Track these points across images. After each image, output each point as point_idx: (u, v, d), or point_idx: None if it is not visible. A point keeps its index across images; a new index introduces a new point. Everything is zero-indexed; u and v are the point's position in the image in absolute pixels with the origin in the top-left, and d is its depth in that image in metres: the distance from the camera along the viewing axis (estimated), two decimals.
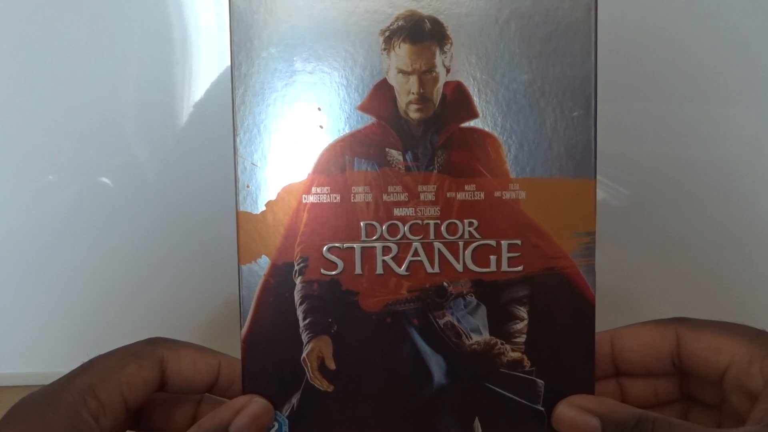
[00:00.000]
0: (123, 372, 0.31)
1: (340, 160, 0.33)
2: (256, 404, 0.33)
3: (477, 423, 0.34)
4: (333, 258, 0.33)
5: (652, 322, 0.35)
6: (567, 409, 0.33)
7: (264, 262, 0.33)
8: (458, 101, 0.33)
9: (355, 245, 0.33)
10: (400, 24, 0.32)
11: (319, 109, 0.33)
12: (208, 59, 0.46)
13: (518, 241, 0.33)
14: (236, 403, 0.33)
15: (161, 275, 0.49)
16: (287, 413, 0.34)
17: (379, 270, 0.33)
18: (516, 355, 0.34)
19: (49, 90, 0.45)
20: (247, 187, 0.33)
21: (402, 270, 0.33)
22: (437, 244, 0.33)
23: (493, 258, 0.33)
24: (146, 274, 0.48)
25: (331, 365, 0.34)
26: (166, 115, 0.46)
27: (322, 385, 0.34)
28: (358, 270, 0.33)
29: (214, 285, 0.48)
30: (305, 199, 0.33)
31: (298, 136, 0.33)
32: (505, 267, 0.33)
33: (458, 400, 0.34)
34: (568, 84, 0.33)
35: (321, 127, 0.33)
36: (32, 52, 0.45)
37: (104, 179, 0.45)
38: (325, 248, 0.33)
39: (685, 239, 0.50)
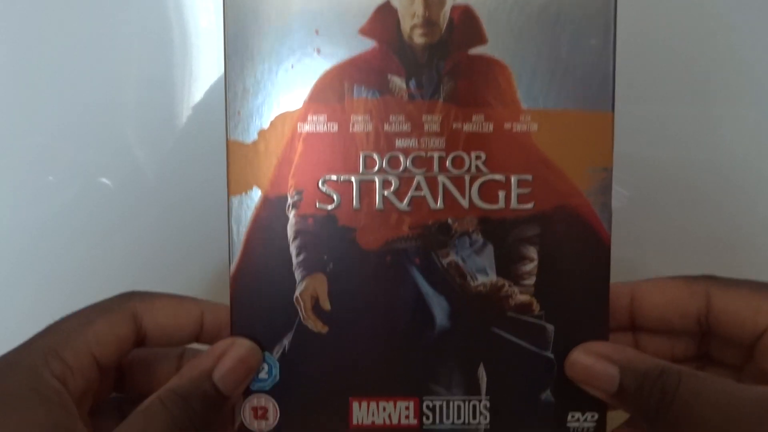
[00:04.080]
0: (90, 330, 0.29)
1: (339, 87, 0.31)
2: (240, 347, 0.31)
3: (482, 370, 0.32)
4: (329, 191, 0.31)
5: (679, 278, 0.32)
6: (583, 356, 0.31)
7: (255, 195, 0.31)
8: (466, 26, 0.30)
9: (353, 178, 0.31)
10: None
11: (317, 32, 0.30)
12: (208, 60, 0.45)
13: (529, 176, 0.31)
14: (218, 348, 0.31)
15: (161, 275, 0.48)
16: (278, 356, 0.32)
17: (379, 205, 0.31)
18: (524, 298, 0.32)
19: (49, 90, 0.44)
20: (238, 114, 0.31)
21: (403, 205, 0.31)
22: (442, 178, 0.31)
23: (501, 194, 0.31)
24: (146, 274, 0.47)
25: (326, 305, 0.32)
26: (166, 115, 0.45)
27: (316, 326, 0.32)
28: (356, 204, 0.31)
29: (215, 285, 0.47)
30: (300, 128, 0.31)
31: (293, 62, 0.30)
32: (514, 204, 0.31)
33: (462, 345, 0.32)
34: (586, 9, 0.30)
35: (318, 51, 0.30)
36: (32, 53, 0.44)
37: (104, 179, 0.45)
38: (320, 181, 0.31)
39: (686, 240, 0.49)
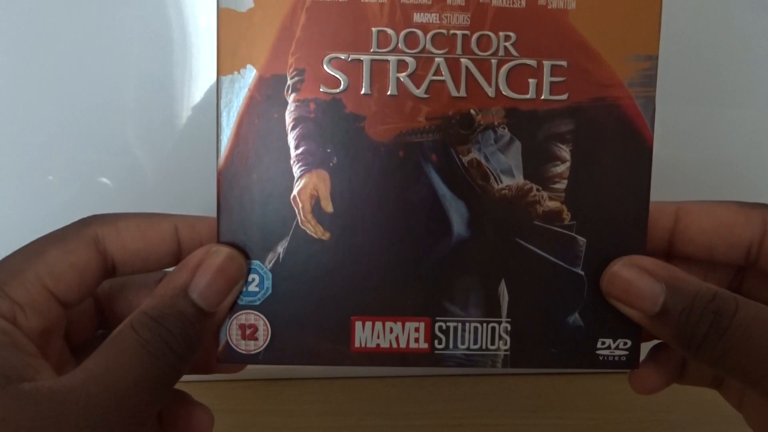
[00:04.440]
0: (41, 262, 0.25)
1: None
2: (217, 255, 0.26)
3: (503, 287, 0.28)
4: (335, 72, 0.27)
5: (732, 203, 0.29)
6: (626, 269, 0.27)
7: (249, 74, 0.27)
8: None
9: (363, 57, 0.27)
10: None
11: None
12: (208, 60, 0.45)
13: (564, 63, 0.27)
14: (193, 259, 0.26)
15: None
16: (270, 264, 0.27)
17: (392, 90, 0.27)
18: (554, 204, 0.28)
19: (49, 90, 0.44)
20: None
21: (420, 91, 0.27)
22: (465, 61, 0.27)
23: (532, 82, 0.27)
24: None
25: (328, 207, 0.27)
26: (166, 115, 0.45)
27: (316, 231, 0.27)
28: (365, 89, 0.27)
29: None
30: None
31: None
32: (546, 94, 0.27)
33: (481, 258, 0.28)
34: None
35: None
36: (32, 53, 0.44)
37: (104, 179, 0.45)
38: (325, 59, 0.27)
39: None
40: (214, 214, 0.28)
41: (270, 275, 0.27)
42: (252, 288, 0.27)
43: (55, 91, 0.44)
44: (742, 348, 0.24)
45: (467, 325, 0.28)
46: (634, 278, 0.26)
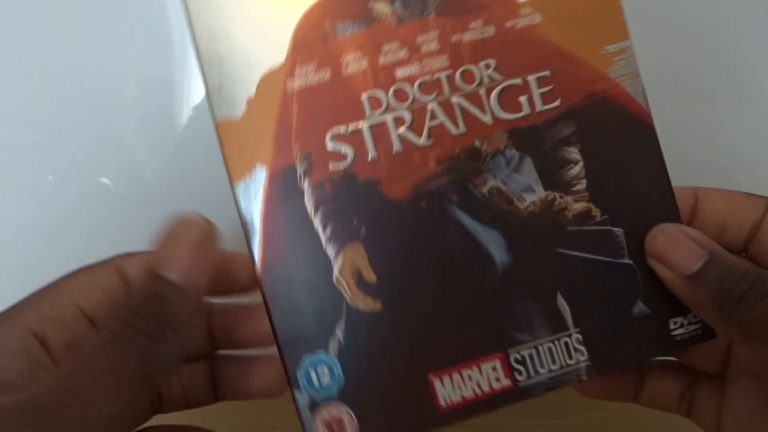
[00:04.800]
0: (72, 282, 0.27)
1: (320, 28, 0.28)
2: (171, 224, 0.26)
3: (560, 300, 0.28)
4: (339, 147, 0.28)
5: (740, 193, 0.30)
6: (672, 228, 0.28)
7: (260, 175, 0.27)
8: None
9: (361, 125, 0.28)
10: None
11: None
12: None
13: (546, 73, 0.28)
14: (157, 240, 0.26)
15: None
16: (335, 351, 0.27)
17: (397, 147, 0.28)
18: (581, 205, 0.28)
19: (49, 90, 0.44)
20: (220, 88, 0.27)
21: (423, 140, 0.28)
22: (456, 99, 0.28)
23: (523, 99, 0.28)
24: None
25: (371, 277, 0.27)
26: (166, 115, 0.45)
27: (367, 304, 0.27)
28: (372, 154, 0.28)
29: None
30: (290, 84, 0.27)
31: (266, 13, 0.27)
32: (539, 106, 0.28)
33: (530, 278, 0.28)
34: None
35: None
36: (32, 52, 0.44)
37: (104, 179, 0.44)
38: (327, 137, 0.28)
39: None
40: (213, 215, 0.27)
41: (338, 362, 0.27)
42: (326, 381, 0.27)
43: (55, 91, 0.44)
44: None
45: (540, 347, 0.28)
46: (679, 237, 0.27)
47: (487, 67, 0.28)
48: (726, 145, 0.47)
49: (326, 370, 0.27)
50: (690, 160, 0.45)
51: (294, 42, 0.27)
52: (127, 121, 0.44)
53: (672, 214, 0.28)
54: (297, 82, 0.27)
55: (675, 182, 0.42)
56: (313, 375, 0.27)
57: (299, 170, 0.27)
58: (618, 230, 0.28)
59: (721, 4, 0.45)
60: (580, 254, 0.28)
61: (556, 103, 0.28)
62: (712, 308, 0.26)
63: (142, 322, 0.24)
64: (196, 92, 0.44)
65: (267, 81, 0.27)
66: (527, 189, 0.28)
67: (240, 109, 0.27)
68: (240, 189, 0.27)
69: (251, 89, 0.27)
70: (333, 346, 0.27)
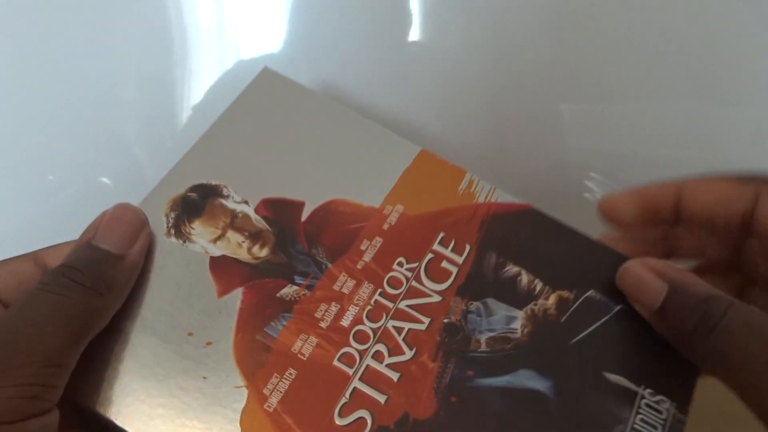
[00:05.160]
0: None
1: (255, 343, 0.28)
2: (113, 208, 0.29)
3: (611, 376, 0.29)
4: (351, 416, 0.27)
5: (730, 177, 0.30)
6: (638, 267, 0.29)
7: None
8: (276, 207, 0.31)
9: (354, 383, 0.27)
10: (173, 216, 0.30)
11: (204, 378, 0.27)
12: (208, 60, 0.44)
13: (442, 234, 0.31)
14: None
15: None
16: None
17: (395, 376, 0.28)
18: (553, 298, 0.30)
19: (49, 89, 0.43)
20: None
21: (408, 353, 0.28)
22: (401, 304, 0.29)
23: (445, 265, 0.30)
24: None
25: None
26: (166, 115, 0.44)
27: None
28: (382, 399, 0.27)
29: None
30: (269, 406, 0.27)
31: (204, 374, 0.27)
32: (460, 259, 0.30)
33: (578, 385, 0.28)
34: None
35: (209, 344, 0.28)
36: (32, 52, 0.43)
37: (104, 179, 0.44)
38: (336, 417, 0.27)
39: None
40: None
41: None
42: None
43: (55, 91, 0.43)
44: (726, 351, 0.25)
45: (634, 423, 0.28)
46: (642, 275, 0.28)
47: (400, 264, 0.30)
48: (726, 145, 0.47)
49: None
50: (690, 159, 0.46)
51: (244, 373, 0.27)
52: (127, 121, 0.44)
53: (613, 254, 0.31)
54: (273, 400, 0.26)
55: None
56: None
57: None
58: (591, 293, 0.30)
59: (721, 3, 0.45)
60: (587, 331, 0.29)
61: (468, 248, 0.30)
62: (674, 345, 0.28)
63: (80, 275, 0.25)
64: (196, 92, 0.44)
65: (246, 418, 0.26)
66: (510, 320, 0.29)
67: None
68: None
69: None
70: None
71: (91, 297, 0.25)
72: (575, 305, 0.29)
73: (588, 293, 0.30)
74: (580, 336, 0.29)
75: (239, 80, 0.42)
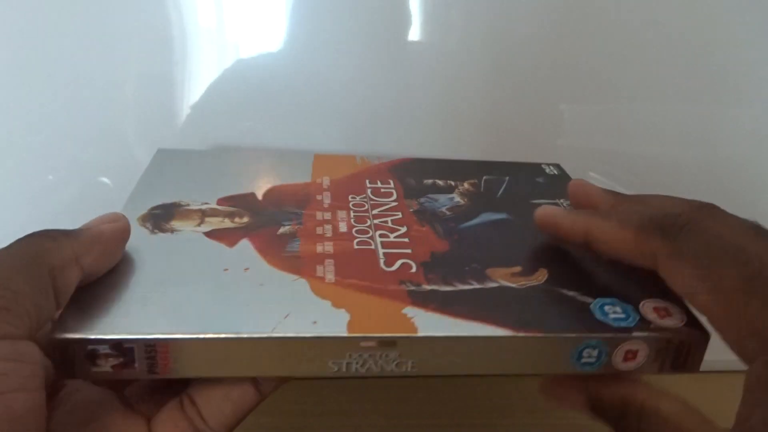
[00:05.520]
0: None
1: (289, 261, 0.30)
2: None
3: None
4: None
5: (632, 227, 0.28)
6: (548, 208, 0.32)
7: None
8: (232, 199, 0.34)
9: (396, 261, 0.31)
10: (150, 223, 0.31)
11: (261, 284, 0.28)
12: (207, 59, 0.44)
13: (367, 180, 0.38)
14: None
15: None
16: None
17: (409, 247, 0.32)
18: (466, 185, 0.38)
19: (49, 89, 0.44)
20: None
21: (407, 240, 0.33)
22: (373, 212, 0.35)
23: (384, 190, 0.37)
24: None
25: None
26: (165, 115, 0.45)
27: None
28: (407, 251, 0.32)
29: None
30: (329, 281, 0.29)
31: None
32: (390, 185, 0.37)
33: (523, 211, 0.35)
34: None
35: None
36: (32, 52, 0.43)
37: (104, 179, 0.45)
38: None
39: None
40: None
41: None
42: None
43: (55, 91, 0.43)
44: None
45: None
46: (581, 186, 0.32)
47: (353, 197, 0.36)
48: (726, 145, 0.47)
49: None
50: (690, 159, 0.47)
51: (291, 271, 0.29)
52: (126, 121, 0.44)
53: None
54: (330, 276, 0.29)
55: (675, 181, 0.46)
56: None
57: None
58: (486, 177, 0.40)
59: (721, 4, 0.45)
60: (503, 187, 0.38)
61: (391, 181, 0.38)
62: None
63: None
64: (196, 92, 0.44)
65: (317, 291, 0.28)
66: (451, 200, 0.38)
67: None
68: None
69: None
70: None
71: (44, 239, 0.25)
72: (482, 183, 0.39)
73: (485, 177, 0.39)
74: (501, 190, 0.38)
75: (239, 80, 0.43)
